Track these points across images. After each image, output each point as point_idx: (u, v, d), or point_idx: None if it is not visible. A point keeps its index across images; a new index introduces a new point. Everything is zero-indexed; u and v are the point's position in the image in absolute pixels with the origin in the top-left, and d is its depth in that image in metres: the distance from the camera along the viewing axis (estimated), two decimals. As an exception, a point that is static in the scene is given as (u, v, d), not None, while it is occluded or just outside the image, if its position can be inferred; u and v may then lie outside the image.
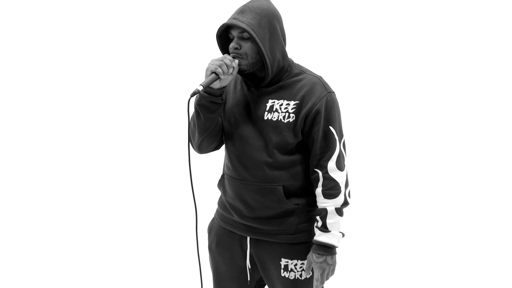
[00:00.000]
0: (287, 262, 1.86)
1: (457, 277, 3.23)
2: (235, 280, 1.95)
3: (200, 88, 1.65)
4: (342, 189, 1.74)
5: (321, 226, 1.74)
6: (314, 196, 1.85)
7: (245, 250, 1.90)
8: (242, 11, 1.69)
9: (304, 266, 1.82)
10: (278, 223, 1.82)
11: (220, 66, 1.64)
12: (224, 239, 1.93)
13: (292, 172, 1.79)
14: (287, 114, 1.74)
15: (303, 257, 1.86)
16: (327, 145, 1.74)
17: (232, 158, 1.81)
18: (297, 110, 1.74)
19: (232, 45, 1.70)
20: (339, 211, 1.74)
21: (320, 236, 1.75)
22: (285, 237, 1.84)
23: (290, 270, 1.86)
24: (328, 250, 1.75)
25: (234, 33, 1.70)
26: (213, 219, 2.02)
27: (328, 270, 1.77)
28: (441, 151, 4.66)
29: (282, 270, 1.87)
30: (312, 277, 1.89)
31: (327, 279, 1.80)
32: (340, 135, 1.77)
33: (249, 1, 1.72)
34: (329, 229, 1.74)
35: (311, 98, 1.73)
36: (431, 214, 4.24)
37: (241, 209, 1.83)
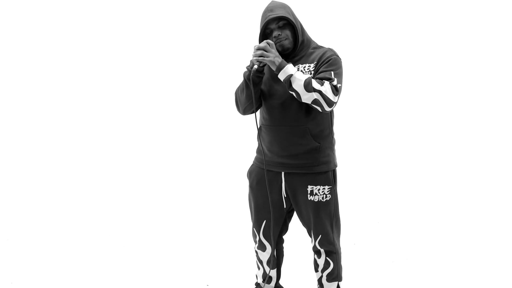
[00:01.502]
0: (312, 188, 2.48)
1: (457, 277, 3.22)
2: (274, 210, 2.57)
3: (255, 67, 2.33)
4: (323, 88, 2.26)
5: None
6: (331, 139, 2.51)
7: (280, 184, 2.53)
8: (271, 9, 2.40)
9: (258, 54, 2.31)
10: (305, 157, 2.46)
11: (265, 56, 2.30)
12: (263, 178, 2.56)
13: (314, 119, 2.44)
14: (309, 72, 2.42)
15: (323, 183, 2.49)
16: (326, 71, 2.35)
17: (270, 110, 2.46)
18: (315, 67, 2.43)
19: (275, 34, 2.39)
20: (308, 85, 2.26)
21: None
22: (310, 168, 2.47)
23: (314, 194, 2.49)
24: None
25: (272, 26, 2.39)
26: (252, 165, 2.65)
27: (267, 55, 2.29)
28: (442, 150, 4.82)
29: (308, 195, 2.49)
30: (331, 199, 2.52)
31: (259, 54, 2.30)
32: (338, 82, 2.36)
33: (270, 2, 2.45)
34: (293, 75, 2.28)
35: (323, 57, 2.41)
36: (431, 215, 4.32)
37: (277, 149, 2.46)
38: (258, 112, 2.57)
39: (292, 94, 2.35)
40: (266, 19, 2.37)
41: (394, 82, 4.87)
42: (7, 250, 3.63)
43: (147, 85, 5.02)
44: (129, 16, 4.87)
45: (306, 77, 2.30)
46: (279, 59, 2.32)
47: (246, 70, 2.39)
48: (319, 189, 2.49)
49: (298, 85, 2.29)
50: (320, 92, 2.28)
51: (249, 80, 2.37)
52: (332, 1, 4.77)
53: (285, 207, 2.57)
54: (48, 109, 4.92)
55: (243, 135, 4.44)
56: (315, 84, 2.29)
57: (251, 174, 2.64)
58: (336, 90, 2.32)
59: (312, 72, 2.41)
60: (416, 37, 4.76)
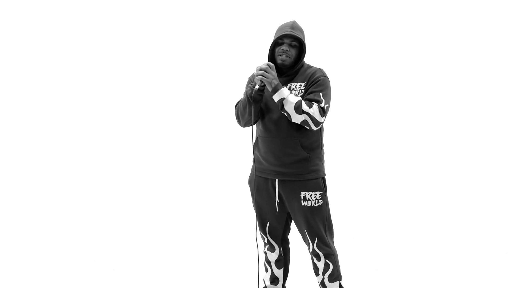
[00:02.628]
0: (305, 194, 2.75)
1: (458, 277, 3.32)
2: (273, 213, 2.83)
3: (257, 87, 2.63)
4: (311, 110, 2.55)
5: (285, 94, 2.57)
6: (320, 150, 2.79)
7: (275, 190, 2.79)
8: (292, 27, 2.71)
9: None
10: (297, 166, 2.73)
11: (265, 76, 2.59)
12: (262, 184, 2.83)
13: (305, 132, 2.72)
14: (300, 90, 2.71)
15: (315, 189, 2.75)
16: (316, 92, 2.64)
17: (266, 124, 2.74)
18: (305, 86, 2.72)
19: (284, 48, 2.69)
20: (298, 108, 2.55)
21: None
22: (301, 175, 2.74)
23: (307, 199, 2.75)
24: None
25: (286, 40, 2.70)
26: (251, 173, 2.92)
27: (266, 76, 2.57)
28: (442, 152, 4.87)
29: (302, 201, 2.75)
30: (323, 204, 2.77)
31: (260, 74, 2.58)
32: (326, 102, 2.67)
33: (293, 22, 2.75)
34: (286, 98, 2.56)
35: (312, 77, 2.73)
36: (431, 216, 4.42)
37: (271, 158, 2.73)
38: (255, 125, 2.84)
39: (283, 113, 2.65)
40: (285, 32, 2.66)
41: (381, 92, 5.01)
42: (7, 250, 3.67)
43: (147, 87, 5.07)
44: (130, 19, 4.91)
45: (297, 100, 2.60)
46: (276, 81, 2.61)
47: (248, 88, 2.67)
48: (311, 195, 2.75)
49: (289, 107, 2.59)
50: (308, 114, 2.58)
51: (251, 98, 2.65)
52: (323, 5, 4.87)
53: (277, 211, 2.82)
54: (46, 109, 4.92)
55: (242, 142, 4.52)
56: (304, 106, 2.59)
57: (251, 182, 2.91)
58: (323, 112, 2.63)
59: (303, 90, 2.70)
60: (402, 53, 4.88)
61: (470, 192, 4.75)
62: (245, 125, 2.80)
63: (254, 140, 2.86)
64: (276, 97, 2.61)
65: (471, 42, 4.76)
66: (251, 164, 2.97)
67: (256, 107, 2.69)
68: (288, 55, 2.69)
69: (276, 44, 2.73)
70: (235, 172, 4.74)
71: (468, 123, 4.92)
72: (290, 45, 2.69)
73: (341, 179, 4.64)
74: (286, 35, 2.67)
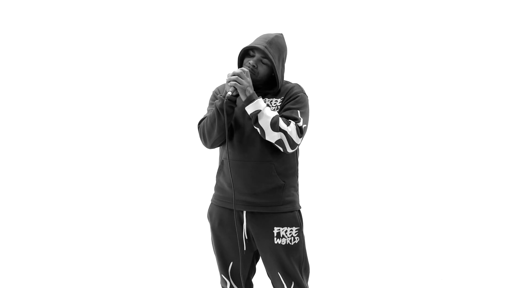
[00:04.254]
0: (279, 229, 2.30)
1: (458, 278, 3.32)
2: (236, 250, 2.35)
3: (229, 94, 2.20)
4: (288, 129, 2.19)
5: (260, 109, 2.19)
6: (296, 178, 2.37)
7: (243, 224, 2.32)
8: (270, 42, 2.30)
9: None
10: (270, 196, 2.30)
11: (239, 82, 2.19)
12: (226, 218, 2.37)
13: (280, 156, 2.32)
14: (276, 107, 2.33)
15: (291, 224, 2.32)
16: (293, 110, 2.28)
17: (235, 144, 2.31)
18: (282, 102, 2.34)
19: (251, 62, 2.28)
20: (275, 124, 2.17)
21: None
22: (275, 207, 2.31)
23: (282, 236, 2.31)
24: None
25: (258, 54, 2.29)
26: (211, 205, 2.45)
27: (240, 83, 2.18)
28: (441, 155, 4.71)
29: (275, 238, 2.30)
30: (300, 242, 2.34)
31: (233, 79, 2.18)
32: (304, 122, 2.30)
33: (276, 36, 2.34)
34: (262, 111, 2.18)
35: (290, 93, 2.33)
36: (431, 218, 4.38)
37: (240, 186, 2.28)
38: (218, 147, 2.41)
39: (256, 129, 2.25)
40: (257, 45, 2.28)
41: (361, 116, 4.83)
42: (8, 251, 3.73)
43: (145, 89, 4.91)
44: (127, 22, 4.83)
45: (274, 115, 2.22)
46: (251, 90, 2.22)
47: (218, 100, 2.26)
48: (286, 231, 2.32)
49: (265, 122, 2.20)
50: (285, 132, 2.21)
51: (221, 110, 2.24)
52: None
53: (245, 249, 2.35)
54: (43, 109, 4.83)
55: (197, 167, 4.41)
56: (281, 123, 2.21)
57: (211, 215, 2.44)
58: (300, 132, 2.26)
59: (279, 106, 2.33)
60: (412, 41, 4.71)
61: (461, 213, 4.58)
62: (212, 145, 2.36)
63: (219, 164, 2.41)
64: (250, 109, 2.21)
65: (464, 49, 4.67)
66: (211, 193, 2.51)
67: (229, 121, 2.28)
68: (254, 72, 2.30)
69: (246, 53, 2.34)
70: (189, 203, 4.48)
71: (456, 138, 4.75)
72: (260, 61, 2.30)
73: (317, 213, 4.32)
74: (255, 48, 2.29)
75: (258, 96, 2.29)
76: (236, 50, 2.48)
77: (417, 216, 4.53)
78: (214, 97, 2.44)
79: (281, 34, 2.38)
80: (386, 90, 4.73)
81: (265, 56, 2.28)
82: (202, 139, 2.35)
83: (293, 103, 2.31)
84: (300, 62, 4.15)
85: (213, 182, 2.53)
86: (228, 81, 2.20)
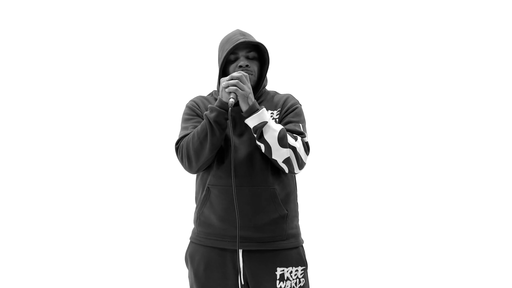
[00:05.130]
0: (283, 270, 1.85)
1: (458, 278, 3.28)
2: None
3: (232, 100, 1.73)
4: (297, 144, 1.82)
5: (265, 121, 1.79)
6: (297, 204, 1.98)
7: (237, 266, 1.85)
8: (242, 33, 1.93)
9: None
10: (271, 229, 1.85)
11: (240, 88, 1.76)
12: (214, 260, 1.88)
13: (281, 178, 1.90)
14: (274, 120, 1.92)
15: (296, 264, 1.88)
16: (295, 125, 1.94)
17: (228, 166, 1.85)
18: (279, 115, 1.95)
19: (242, 63, 1.88)
20: (283, 139, 1.78)
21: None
22: (278, 243, 1.86)
23: (286, 279, 1.86)
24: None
25: (242, 52, 1.90)
26: (192, 245, 1.96)
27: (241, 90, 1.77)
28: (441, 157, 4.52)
29: (278, 281, 1.85)
30: (305, 285, 1.90)
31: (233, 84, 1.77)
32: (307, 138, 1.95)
33: (236, 30, 1.98)
34: (267, 123, 1.78)
35: (288, 103, 1.98)
36: (432, 220, 4.21)
37: (235, 218, 1.81)
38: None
39: (259, 146, 1.83)
40: (238, 41, 1.87)
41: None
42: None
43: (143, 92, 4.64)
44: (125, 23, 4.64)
45: (281, 128, 1.82)
46: (253, 98, 1.80)
47: (210, 111, 1.82)
48: (291, 272, 1.87)
49: (271, 136, 1.78)
50: (294, 149, 1.81)
51: (216, 122, 1.80)
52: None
53: None
54: (40, 109, 4.64)
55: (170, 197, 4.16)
56: (289, 138, 1.81)
57: (193, 258, 1.94)
58: (308, 148, 1.90)
59: (277, 120, 1.95)
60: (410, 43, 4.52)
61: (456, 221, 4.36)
62: (199, 169, 1.89)
63: (202, 192, 1.93)
64: (253, 121, 1.78)
65: (463, 50, 4.53)
66: (190, 229, 2.03)
67: (222, 137, 1.84)
68: (251, 71, 1.91)
69: (227, 63, 1.93)
70: (161, 244, 4.10)
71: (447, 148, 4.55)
72: (247, 58, 1.92)
73: (317, 245, 3.92)
74: (239, 46, 1.90)
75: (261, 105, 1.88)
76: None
77: (418, 237, 4.26)
78: (193, 111, 1.99)
79: (238, 29, 2.03)
80: (375, 99, 4.52)
81: (253, 46, 1.93)
82: (186, 161, 1.86)
83: (293, 115, 1.94)
84: (281, 68, 3.91)
85: (188, 216, 2.05)
86: (226, 87, 1.76)
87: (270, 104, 1.98)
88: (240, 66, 1.88)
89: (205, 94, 2.11)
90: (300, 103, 2.01)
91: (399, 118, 4.44)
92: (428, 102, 4.44)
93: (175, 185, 4.13)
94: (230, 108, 1.72)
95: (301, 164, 1.83)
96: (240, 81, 1.75)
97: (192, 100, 2.03)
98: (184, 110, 2.02)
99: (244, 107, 1.78)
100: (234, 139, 1.87)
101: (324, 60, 4.45)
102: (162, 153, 4.23)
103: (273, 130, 1.77)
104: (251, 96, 1.78)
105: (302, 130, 1.89)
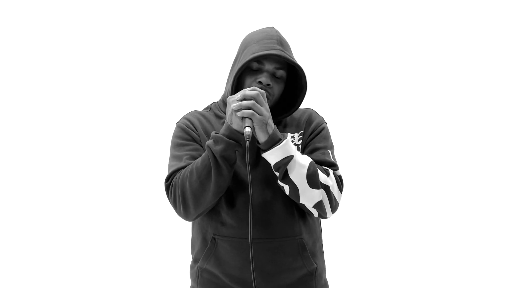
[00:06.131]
0: None
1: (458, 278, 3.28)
2: None
3: (249, 130, 1.28)
4: (330, 182, 1.41)
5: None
6: (323, 253, 1.56)
7: None
8: (281, 42, 1.45)
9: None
10: None
11: (257, 111, 1.30)
12: None
13: (308, 222, 1.48)
14: (296, 147, 1.47)
15: None
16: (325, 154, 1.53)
17: (239, 212, 1.40)
18: (301, 138, 1.52)
19: (265, 79, 1.40)
20: (314, 176, 1.36)
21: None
22: None
23: None
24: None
25: (270, 66, 1.42)
26: None
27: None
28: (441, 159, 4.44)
29: None
30: None
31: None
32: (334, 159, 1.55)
33: (277, 31, 1.49)
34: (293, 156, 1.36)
35: (311, 123, 1.54)
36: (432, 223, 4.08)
37: (251, 278, 1.37)
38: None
39: (282, 187, 1.39)
40: (269, 52, 1.40)
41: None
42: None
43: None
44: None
45: (309, 162, 1.38)
46: (273, 124, 1.35)
47: (215, 141, 1.35)
48: None
49: (299, 175, 1.35)
50: (327, 189, 1.38)
51: (223, 159, 1.34)
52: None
53: None
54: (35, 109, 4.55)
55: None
56: (321, 175, 1.38)
57: None
58: (341, 185, 1.48)
59: (300, 147, 1.50)
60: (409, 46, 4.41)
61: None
62: (200, 214, 1.42)
63: (203, 243, 1.49)
64: (274, 156, 1.34)
65: (461, 51, 4.46)
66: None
67: (230, 175, 1.38)
68: (270, 93, 1.45)
69: (248, 69, 1.46)
70: None
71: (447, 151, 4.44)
72: (273, 76, 1.44)
73: None
74: (270, 56, 1.42)
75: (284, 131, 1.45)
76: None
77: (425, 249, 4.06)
78: (188, 134, 1.50)
79: (274, 27, 1.54)
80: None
81: (280, 67, 1.43)
82: (181, 206, 1.39)
83: (319, 139, 1.50)
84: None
85: (184, 269, 1.59)
86: (237, 109, 1.30)
87: (290, 128, 1.53)
88: (260, 83, 1.41)
89: (201, 108, 1.62)
90: (325, 120, 1.57)
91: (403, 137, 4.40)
92: (433, 108, 4.40)
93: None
94: (247, 141, 1.26)
95: (334, 207, 1.41)
96: (257, 102, 1.30)
97: (185, 118, 1.54)
98: (175, 132, 1.52)
99: (262, 137, 1.32)
100: (245, 175, 1.42)
101: (324, 61, 4.34)
102: (162, 153, 4.18)
103: (300, 165, 1.33)
104: (271, 121, 1.32)
105: (332, 159, 1.46)
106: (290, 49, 1.48)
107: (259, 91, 1.31)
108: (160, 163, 4.40)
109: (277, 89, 1.44)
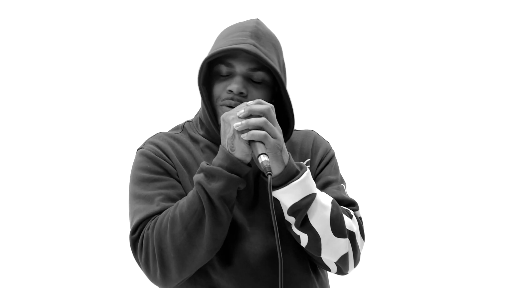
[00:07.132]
0: None
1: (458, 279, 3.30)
2: None
3: (266, 159, 0.95)
4: (355, 228, 1.12)
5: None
6: None
7: None
8: (257, 35, 1.09)
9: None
10: None
11: (270, 133, 0.97)
12: None
13: (320, 281, 1.18)
14: None
15: None
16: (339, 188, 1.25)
17: (236, 272, 1.08)
18: (311, 168, 1.20)
19: (236, 87, 1.06)
20: (339, 220, 1.09)
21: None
22: None
23: None
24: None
25: (241, 67, 1.07)
26: None
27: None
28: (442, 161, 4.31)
29: None
30: None
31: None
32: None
33: (256, 23, 1.14)
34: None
35: (318, 150, 1.23)
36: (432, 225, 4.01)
37: None
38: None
39: (297, 236, 1.07)
40: (234, 46, 1.05)
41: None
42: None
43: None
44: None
45: (331, 201, 1.06)
46: (286, 150, 1.02)
47: (205, 178, 1.00)
48: None
49: (322, 219, 1.04)
50: (353, 237, 1.09)
51: (223, 200, 1.00)
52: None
53: None
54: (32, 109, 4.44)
55: None
56: (347, 220, 1.09)
57: None
58: (363, 229, 1.17)
59: None
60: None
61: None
62: (184, 279, 1.06)
63: None
64: (293, 194, 1.02)
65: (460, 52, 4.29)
66: None
67: (229, 221, 1.04)
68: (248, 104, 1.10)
69: (217, 75, 1.12)
70: None
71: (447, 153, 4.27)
72: (249, 80, 1.10)
73: None
74: (237, 54, 1.09)
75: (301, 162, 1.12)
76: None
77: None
78: (159, 165, 1.12)
79: (258, 19, 1.17)
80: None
81: (256, 67, 1.09)
82: (158, 267, 1.03)
83: (330, 169, 1.20)
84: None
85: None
86: (243, 129, 0.97)
87: (290, 150, 1.16)
88: (230, 92, 1.07)
89: (167, 129, 1.25)
90: (330, 144, 1.28)
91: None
92: (431, 109, 4.26)
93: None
94: (269, 177, 0.93)
95: (358, 260, 1.12)
96: (269, 119, 0.97)
97: (152, 143, 1.16)
98: (138, 162, 1.15)
99: (275, 167, 0.98)
100: (241, 219, 1.10)
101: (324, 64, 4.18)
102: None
103: (322, 206, 1.02)
104: (285, 147, 1.00)
105: (348, 196, 1.17)
106: (273, 46, 1.13)
107: (269, 105, 0.98)
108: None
109: (256, 94, 1.08)
